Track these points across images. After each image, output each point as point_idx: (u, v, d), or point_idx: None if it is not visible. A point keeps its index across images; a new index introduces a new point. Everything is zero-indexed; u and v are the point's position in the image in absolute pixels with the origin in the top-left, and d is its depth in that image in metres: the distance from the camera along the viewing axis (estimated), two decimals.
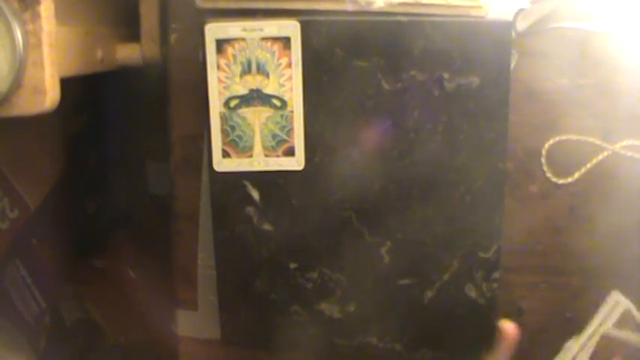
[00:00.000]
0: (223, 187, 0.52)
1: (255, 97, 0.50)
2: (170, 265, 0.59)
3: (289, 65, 0.50)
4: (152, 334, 0.76)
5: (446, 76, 0.49)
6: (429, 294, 0.53)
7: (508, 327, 0.53)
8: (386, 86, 0.50)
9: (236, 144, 0.51)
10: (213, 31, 0.49)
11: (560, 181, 0.55)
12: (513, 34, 0.50)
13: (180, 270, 0.59)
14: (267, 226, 0.53)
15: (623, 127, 0.54)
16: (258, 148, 0.51)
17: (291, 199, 0.52)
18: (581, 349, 0.54)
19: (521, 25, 0.51)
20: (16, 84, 0.42)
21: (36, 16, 0.42)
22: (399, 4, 0.49)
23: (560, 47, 0.53)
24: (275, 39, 0.49)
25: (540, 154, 0.54)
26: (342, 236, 0.52)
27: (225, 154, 0.51)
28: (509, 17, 0.51)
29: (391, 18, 0.50)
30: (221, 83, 0.50)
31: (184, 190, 0.57)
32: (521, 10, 0.51)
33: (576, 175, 0.54)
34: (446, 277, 0.53)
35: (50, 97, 0.43)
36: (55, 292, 0.79)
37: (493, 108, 0.50)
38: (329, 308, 0.54)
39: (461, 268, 0.52)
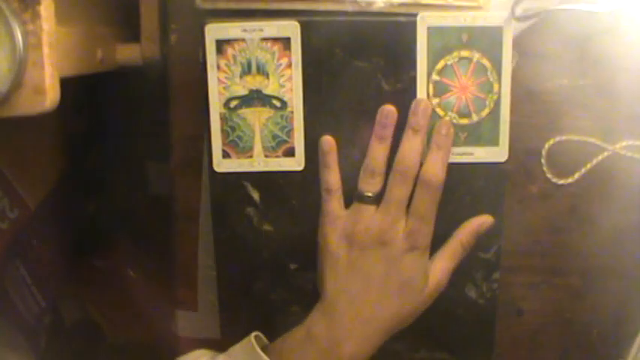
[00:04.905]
0: (223, 188, 0.52)
1: (255, 98, 0.50)
2: (170, 265, 0.59)
3: (289, 66, 0.50)
4: (152, 334, 0.76)
5: None
6: None
7: None
8: (386, 86, 0.50)
9: (236, 144, 0.51)
10: (213, 31, 0.49)
11: (561, 182, 0.55)
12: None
13: (180, 270, 0.59)
14: (267, 227, 0.53)
15: (623, 127, 0.54)
16: (258, 148, 0.51)
17: (292, 199, 0.52)
18: None
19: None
20: (16, 84, 0.42)
21: (36, 16, 0.42)
22: (399, 4, 0.49)
23: (560, 47, 0.53)
24: (275, 39, 0.49)
25: (540, 154, 0.54)
26: None
27: (225, 155, 0.51)
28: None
29: (391, 18, 0.50)
30: (221, 84, 0.50)
31: (184, 190, 0.57)
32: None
33: (576, 175, 0.54)
34: None
35: (50, 97, 0.43)
36: (55, 292, 0.79)
37: None
38: None
39: (461, 268, 0.52)
